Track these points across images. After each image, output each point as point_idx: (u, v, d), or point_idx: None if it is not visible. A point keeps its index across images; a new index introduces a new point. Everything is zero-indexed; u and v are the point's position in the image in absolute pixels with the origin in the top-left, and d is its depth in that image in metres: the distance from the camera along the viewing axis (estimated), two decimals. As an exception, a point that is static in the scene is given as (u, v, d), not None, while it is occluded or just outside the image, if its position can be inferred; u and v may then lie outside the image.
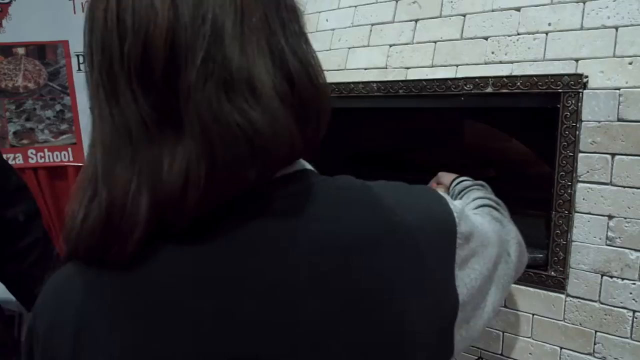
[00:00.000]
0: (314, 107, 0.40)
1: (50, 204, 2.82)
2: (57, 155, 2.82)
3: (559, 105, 0.90)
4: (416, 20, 1.10)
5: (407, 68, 1.11)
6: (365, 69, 1.18)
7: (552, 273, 0.96)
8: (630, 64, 0.84)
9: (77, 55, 2.72)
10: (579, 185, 0.91)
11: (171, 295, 0.36)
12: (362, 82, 1.15)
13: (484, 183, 0.85)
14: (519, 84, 0.94)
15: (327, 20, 1.27)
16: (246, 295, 0.35)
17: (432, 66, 1.07)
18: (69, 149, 2.83)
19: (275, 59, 0.37)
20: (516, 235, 0.60)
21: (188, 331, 0.35)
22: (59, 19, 2.59)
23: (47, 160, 2.82)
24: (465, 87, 1.00)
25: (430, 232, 0.41)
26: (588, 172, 0.90)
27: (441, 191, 0.87)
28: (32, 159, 2.77)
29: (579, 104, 0.88)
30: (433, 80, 1.04)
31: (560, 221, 0.94)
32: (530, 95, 0.93)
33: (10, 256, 1.28)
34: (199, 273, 0.36)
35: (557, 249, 0.95)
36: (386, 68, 1.14)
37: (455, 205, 0.44)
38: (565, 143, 0.90)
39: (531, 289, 1.00)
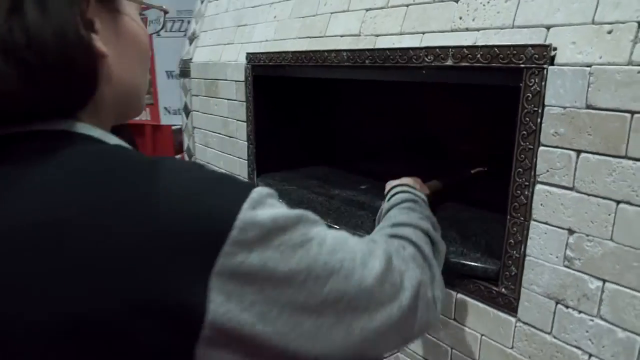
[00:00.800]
0: (60, 63, 0.38)
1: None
2: (136, 115, 3.07)
3: (521, 84, 0.72)
4: (394, -20, 0.96)
5: (377, 36, 0.97)
6: (342, 36, 1.06)
7: (503, 290, 0.79)
8: (610, 32, 0.63)
9: (154, 22, 2.88)
10: (538, 187, 0.72)
11: None
12: (335, 51, 1.03)
13: (419, 198, 0.79)
14: (479, 56, 0.76)
15: (318, -18, 1.17)
16: None
17: (401, 34, 0.92)
18: (147, 109, 3.06)
19: (14, 10, 0.36)
20: (419, 285, 0.48)
21: None
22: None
23: (129, 118, 3.06)
24: (427, 59, 0.85)
25: (173, 229, 0.34)
26: (548, 171, 0.71)
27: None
28: (116, 116, 3.02)
29: (543, 83, 0.69)
30: (396, 50, 0.90)
31: (515, 229, 0.76)
32: (490, 71, 0.76)
33: None
34: None
35: (510, 261, 0.78)
36: (359, 35, 1.01)
37: (260, 207, 0.36)
38: (525, 132, 0.72)
39: (480, 305, 0.84)
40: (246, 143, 1.43)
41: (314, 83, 1.36)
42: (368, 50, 0.96)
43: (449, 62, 0.81)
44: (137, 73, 0.47)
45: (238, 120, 1.45)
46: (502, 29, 0.76)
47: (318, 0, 1.15)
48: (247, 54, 1.34)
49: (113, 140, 0.42)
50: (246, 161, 1.45)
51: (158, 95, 3.00)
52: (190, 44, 1.74)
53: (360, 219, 1.04)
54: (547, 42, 0.69)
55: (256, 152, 1.40)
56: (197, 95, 1.69)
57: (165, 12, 0.54)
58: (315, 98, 1.49)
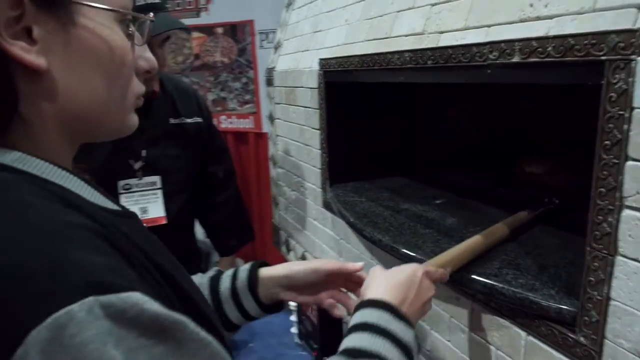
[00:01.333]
0: None
1: (236, 165, 3.27)
2: (241, 122, 3.22)
3: (602, 82, 0.57)
4: (461, -32, 0.84)
5: (441, 33, 0.86)
6: (406, 35, 0.96)
7: (582, 339, 0.64)
8: None
9: (260, 33, 3.00)
10: (625, 212, 0.57)
11: None
12: (397, 52, 0.94)
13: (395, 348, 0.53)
14: (550, 49, 0.62)
15: (386, -21, 1.08)
16: None
17: (465, 29, 0.80)
18: (251, 117, 3.19)
19: None
20: None
21: None
22: (247, 1, 2.89)
23: (234, 125, 3.23)
24: (491, 56, 0.72)
25: None
26: (639, 193, 0.55)
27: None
28: (223, 124, 3.21)
29: (631, 79, 0.54)
30: (458, 47, 0.78)
31: (596, 264, 0.60)
32: (565, 66, 0.61)
33: (209, 208, 1.61)
34: None
35: (590, 305, 0.62)
36: (423, 34, 0.91)
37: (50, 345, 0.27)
38: (608, 142, 0.57)
39: (555, 354, 0.68)
40: (319, 151, 1.39)
41: (390, 87, 1.27)
42: (430, 49, 0.85)
43: (516, 59, 0.68)
44: (98, 88, 0.43)
45: (312, 128, 1.42)
46: (580, 14, 0.61)
47: (385, 0, 1.07)
48: (320, 59, 1.30)
49: (32, 166, 0.38)
50: (320, 170, 1.40)
51: (260, 104, 3.12)
52: (275, 52, 1.76)
53: (421, 238, 0.93)
54: (636, 26, 0.54)
55: (329, 161, 1.35)
56: (279, 103, 1.70)
57: (151, 21, 0.50)
58: (393, 103, 1.39)
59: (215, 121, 3.18)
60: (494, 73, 0.73)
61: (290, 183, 1.69)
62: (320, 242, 1.47)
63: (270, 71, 1.75)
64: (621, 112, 0.55)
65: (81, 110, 0.42)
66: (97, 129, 0.46)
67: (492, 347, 0.80)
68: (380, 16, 1.07)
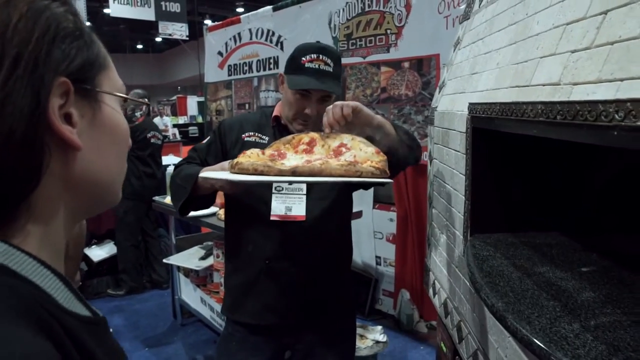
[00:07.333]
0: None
1: (411, 194, 3.30)
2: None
3: None
4: (605, 12, 0.73)
5: (574, 84, 0.76)
6: (544, 85, 0.87)
7: None
8: None
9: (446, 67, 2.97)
10: None
11: None
12: (531, 104, 0.87)
13: None
14: (676, 115, 0.51)
15: (537, 22, 1.00)
16: None
17: (598, 81, 0.70)
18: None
19: None
20: None
21: None
22: (434, 35, 2.92)
23: (413, 158, 3.26)
24: (617, 116, 0.62)
25: None
26: None
27: None
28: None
29: None
30: (585, 103, 0.69)
31: None
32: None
33: None
34: None
35: None
36: (558, 84, 0.81)
37: None
38: None
39: None
40: (463, 198, 1.33)
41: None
42: (560, 103, 0.76)
43: (630, 120, 0.57)
44: (113, 164, 0.48)
45: (460, 172, 1.37)
46: None
47: (533, 43, 0.98)
48: (469, 104, 1.25)
49: (13, 261, 0.39)
50: (463, 217, 1.34)
51: (440, 138, 3.09)
52: (439, 92, 1.75)
53: (538, 311, 0.82)
54: None
55: (471, 209, 1.28)
56: (437, 144, 1.68)
57: (148, 105, 0.53)
58: (557, 155, 1.25)
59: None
60: (621, 136, 0.62)
61: (440, 225, 1.65)
62: (459, 291, 1.40)
63: (432, 110, 1.74)
64: None
65: (96, 182, 0.46)
66: (101, 202, 0.49)
67: None
68: (525, 61, 0.99)
